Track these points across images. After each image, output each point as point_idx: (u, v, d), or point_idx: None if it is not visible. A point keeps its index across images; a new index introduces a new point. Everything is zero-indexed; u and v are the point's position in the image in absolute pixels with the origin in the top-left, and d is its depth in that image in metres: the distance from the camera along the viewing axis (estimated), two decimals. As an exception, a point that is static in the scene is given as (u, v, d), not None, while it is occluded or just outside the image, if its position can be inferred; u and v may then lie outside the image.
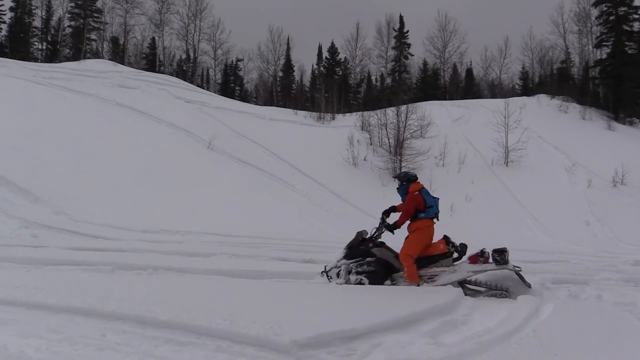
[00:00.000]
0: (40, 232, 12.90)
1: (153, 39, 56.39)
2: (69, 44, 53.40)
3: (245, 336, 4.66)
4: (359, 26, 57.67)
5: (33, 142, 19.11)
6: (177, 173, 19.60)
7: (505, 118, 26.56)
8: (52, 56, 50.49)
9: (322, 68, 58.17)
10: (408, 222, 7.64)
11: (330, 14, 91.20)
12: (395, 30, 56.96)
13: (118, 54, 52.98)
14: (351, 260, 7.82)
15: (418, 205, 7.57)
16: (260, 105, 44.46)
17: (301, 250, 11.43)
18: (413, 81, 58.15)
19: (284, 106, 43.93)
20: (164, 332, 4.86)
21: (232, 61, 60.69)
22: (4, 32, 52.13)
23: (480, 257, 7.32)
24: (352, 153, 24.61)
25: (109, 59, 45.85)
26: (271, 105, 46.23)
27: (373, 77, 60.69)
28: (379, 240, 7.96)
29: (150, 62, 54.67)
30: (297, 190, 20.68)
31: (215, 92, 46.66)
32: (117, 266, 8.65)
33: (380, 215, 8.00)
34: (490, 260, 7.27)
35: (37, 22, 53.72)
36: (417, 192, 7.66)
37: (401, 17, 56.71)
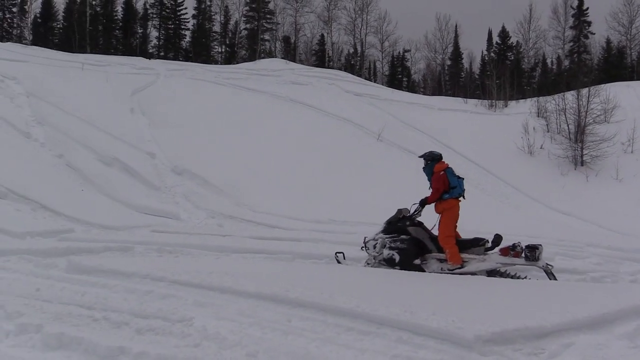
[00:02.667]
0: (225, 222, 13.86)
1: (322, 35, 58.05)
2: (244, 46, 56.76)
3: (426, 328, 4.57)
4: (531, 7, 54.50)
5: (215, 138, 20.55)
6: (347, 165, 19.96)
7: None
8: (230, 58, 53.97)
9: (492, 54, 56.06)
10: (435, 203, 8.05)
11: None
12: (574, 8, 53.06)
13: (289, 52, 55.27)
14: (387, 235, 8.23)
15: (444, 185, 7.91)
16: (428, 95, 43.84)
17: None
18: (594, 62, 53.77)
19: (453, 95, 42.96)
20: (345, 321, 4.93)
21: (399, 52, 60.63)
22: (188, 39, 56.69)
23: (511, 250, 7.48)
24: (527, 141, 23.35)
25: (282, 58, 47.99)
26: (439, 94, 45.44)
27: (548, 60, 57.26)
28: (417, 219, 8.32)
29: (320, 58, 56.35)
30: (468, 181, 19.98)
31: (383, 84, 46.88)
32: (296, 255, 8.99)
33: (419, 201, 8.34)
34: (522, 255, 7.39)
35: (217, 27, 57.72)
36: (442, 172, 8.00)
37: (580, -6, 52.76)
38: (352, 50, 58.05)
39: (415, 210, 8.38)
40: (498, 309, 5.37)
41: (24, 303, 5.17)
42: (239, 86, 29.00)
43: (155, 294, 5.63)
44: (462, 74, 59.62)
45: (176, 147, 19.27)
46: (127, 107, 23.09)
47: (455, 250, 7.75)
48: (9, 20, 52.16)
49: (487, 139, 24.32)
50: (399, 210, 8.44)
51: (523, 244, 7.53)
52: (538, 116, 26.61)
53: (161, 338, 4.43)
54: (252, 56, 50.67)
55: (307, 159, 19.96)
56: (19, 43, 41.32)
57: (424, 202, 8.27)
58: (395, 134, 23.89)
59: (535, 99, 30.45)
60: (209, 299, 5.59)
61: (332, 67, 49.33)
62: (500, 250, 7.66)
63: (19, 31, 51.78)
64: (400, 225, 8.27)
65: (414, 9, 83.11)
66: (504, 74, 37.42)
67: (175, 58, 50.51)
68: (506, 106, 32.61)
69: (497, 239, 7.80)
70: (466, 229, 12.85)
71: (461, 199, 8.07)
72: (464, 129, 25.67)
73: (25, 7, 52.48)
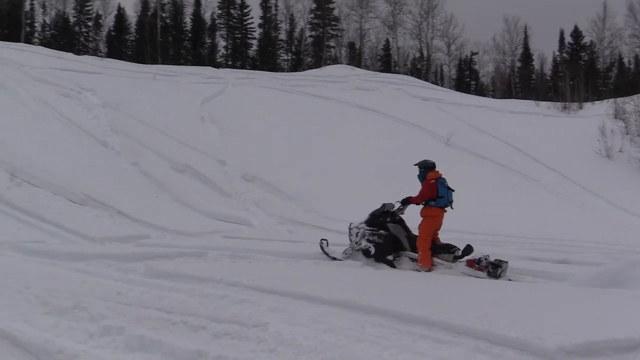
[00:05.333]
0: (295, 228, 13.96)
1: (387, 40, 57.94)
2: (310, 53, 57.28)
3: (504, 338, 4.44)
4: (605, 5, 52.60)
5: (283, 145, 20.78)
6: (415, 171, 19.70)
7: None
8: (296, 65, 54.56)
9: (564, 54, 54.28)
10: (422, 206, 8.46)
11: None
12: (651, 5, 50.80)
13: (355, 58, 55.36)
14: (368, 227, 8.63)
15: (432, 193, 8.32)
16: (497, 98, 42.89)
17: (552, 250, 10.70)
18: (676, 60, 51.28)
19: (524, 98, 41.78)
20: (420, 329, 4.85)
21: (466, 55, 59.80)
22: (254, 47, 57.70)
23: (476, 263, 7.81)
24: (604, 144, 22.43)
25: (347, 64, 48.09)
26: (509, 97, 44.37)
27: (625, 60, 54.95)
28: (399, 216, 8.78)
29: (385, 63, 56.18)
30: (542, 186, 19.49)
31: (450, 88, 46.24)
32: (365, 262, 8.93)
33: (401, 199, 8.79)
34: (485, 270, 7.69)
35: (282, 35, 58.53)
36: (433, 181, 8.44)
37: (659, -11, 50.42)
38: (418, 55, 57.73)
39: (397, 208, 8.84)
40: (578, 319, 5.16)
41: (106, 306, 5.34)
42: (305, 93, 29.22)
43: (230, 299, 5.71)
44: (533, 75, 57.98)
45: (246, 154, 19.59)
46: (198, 115, 23.67)
47: (427, 255, 8.18)
48: (85, 34, 54.55)
49: (561, 143, 23.54)
50: (384, 205, 8.88)
51: (491, 259, 7.82)
52: (615, 118, 25.51)
53: (237, 342, 4.49)
54: (318, 63, 51.06)
55: (374, 165, 19.87)
56: (94, 56, 43.18)
57: (406, 201, 8.76)
58: (465, 139, 23.46)
59: (612, 100, 29.25)
60: (283, 305, 5.62)
61: (398, 72, 49.08)
62: (467, 261, 7.98)
63: (94, 44, 54.11)
64: (381, 219, 8.69)
65: (480, 11, 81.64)
66: (577, 75, 36.17)
67: (242, 67, 51.50)
68: (581, 108, 31.49)
69: (468, 249, 8.12)
70: (540, 236, 12.48)
71: (447, 209, 8.44)
72: (536, 132, 24.97)
73: (100, 21, 54.87)
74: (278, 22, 58.17)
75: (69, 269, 7.24)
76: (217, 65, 46.90)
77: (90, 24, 54.56)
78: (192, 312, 5.11)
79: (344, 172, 19.01)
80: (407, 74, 46.47)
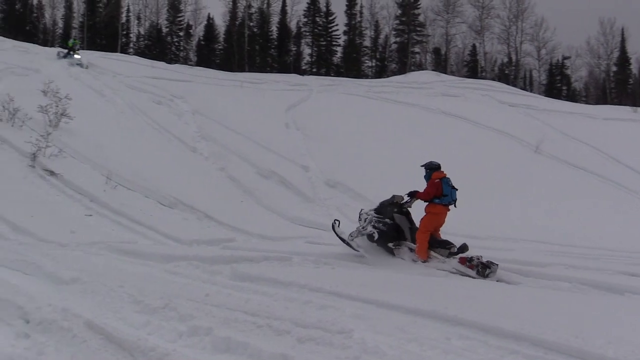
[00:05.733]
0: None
1: (474, 45, 56.84)
2: (395, 59, 57.07)
3: (602, 358, 4.22)
4: None
5: (367, 151, 20.73)
6: (501, 178, 19.19)
7: None
8: (380, 72, 54.51)
9: (665, 58, 51.32)
10: (426, 203, 8.94)
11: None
12: None
13: (440, 64, 54.67)
14: (376, 215, 9.15)
15: (436, 191, 8.82)
16: (591, 104, 41.06)
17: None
18: None
19: (619, 103, 39.87)
20: (508, 343, 4.66)
21: (557, 60, 57.66)
22: (339, 54, 58.06)
23: (468, 261, 8.26)
24: None
25: (432, 70, 47.54)
26: (604, 103, 42.41)
27: None
28: (406, 209, 9.26)
29: (472, 69, 55.12)
30: (640, 197, 18.47)
31: (539, 94, 44.73)
32: (436, 267, 8.74)
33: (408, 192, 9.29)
34: (475, 269, 8.12)
35: (367, 42, 58.61)
36: (437, 180, 8.93)
37: None
38: (506, 60, 56.28)
39: (405, 201, 9.29)
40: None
41: (195, 307, 5.47)
42: (390, 99, 29.11)
43: (314, 304, 5.72)
44: (630, 80, 55.15)
45: (329, 160, 19.70)
46: (283, 122, 24.06)
47: (424, 247, 8.69)
48: (176, 44, 56.71)
49: (662, 151, 22.23)
50: (393, 196, 9.36)
51: (483, 259, 8.22)
52: None
53: (322, 348, 4.47)
54: (402, 69, 50.80)
55: (460, 172, 19.37)
56: (185, 64, 44.84)
57: (413, 194, 9.22)
58: (555, 146, 22.60)
59: None
60: (366, 312, 5.57)
61: (484, 78, 48.03)
62: (460, 258, 8.42)
63: (185, 53, 56.16)
64: (389, 209, 9.19)
65: (573, 13, 78.56)
66: (679, 79, 34.10)
67: (327, 74, 52.00)
68: (683, 114, 29.68)
69: (463, 247, 8.57)
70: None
71: (451, 207, 9.00)
72: (633, 139, 23.68)
73: (191, 31, 56.90)
74: (363, 28, 58.36)
75: (159, 269, 7.48)
76: (302, 73, 47.58)
77: (181, 33, 56.69)
78: (277, 316, 5.15)
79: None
80: (494, 80, 45.42)
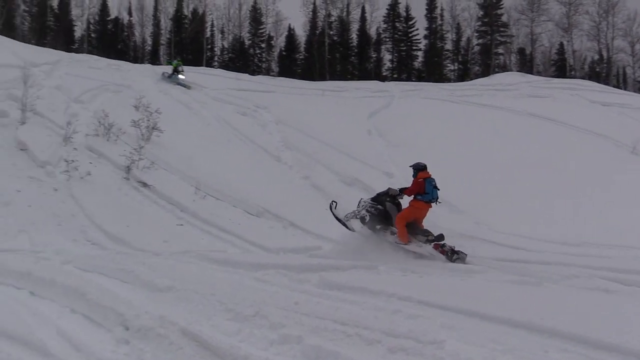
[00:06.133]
0: (464, 243, 13.46)
1: (561, 44, 54.76)
2: (477, 61, 55.83)
3: None
4: None
5: (450, 156, 20.33)
6: (596, 181, 18.31)
7: None
8: (463, 75, 53.52)
9: None
10: (412, 197, 10.23)
11: None
12: None
13: (525, 64, 53.06)
14: (371, 202, 10.48)
15: (419, 189, 10.11)
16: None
17: None
18: None
19: None
20: (612, 357, 4.44)
21: (653, 55, 54.46)
22: (420, 59, 57.49)
23: (441, 247, 9.79)
24: None
25: (517, 71, 46.17)
26: None
27: None
28: (398, 200, 10.56)
29: (560, 68, 53.13)
30: None
31: (634, 92, 42.48)
32: (543, 279, 8.41)
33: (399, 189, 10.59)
34: (445, 254, 9.69)
35: (448, 45, 57.74)
36: (421, 180, 10.18)
37: None
38: (596, 57, 53.76)
39: (397, 194, 10.50)
40: None
41: (285, 315, 5.53)
42: (473, 103, 28.52)
43: (403, 314, 5.63)
44: None
45: (412, 166, 19.48)
46: (365, 129, 24.06)
47: (403, 232, 9.99)
48: (258, 56, 57.95)
49: None
50: (389, 189, 10.68)
51: (455, 248, 9.83)
52: None
53: (413, 359, 4.41)
54: (486, 71, 49.65)
55: (548, 175, 18.74)
56: (267, 75, 45.74)
57: (402, 190, 10.48)
58: (654, 146, 21.37)
59: None
60: (457, 322, 5.43)
61: (573, 77, 46.12)
62: (434, 244, 9.84)
63: (267, 64, 57.28)
64: (382, 198, 10.48)
65: (670, 4, 73.99)
66: None
67: (408, 79, 51.60)
68: None
69: (440, 236, 9.84)
70: None
71: (433, 204, 10.31)
72: None
73: (272, 42, 57.99)
74: (444, 32, 57.50)
75: (248, 277, 7.60)
76: (382, 79, 47.41)
77: (263, 45, 57.86)
78: (366, 325, 5.11)
79: (515, 183, 18.15)
80: (584, 78, 43.51)
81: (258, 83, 32.66)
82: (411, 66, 57.08)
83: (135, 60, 48.58)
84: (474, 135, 22.84)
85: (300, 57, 58.15)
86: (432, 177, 10.42)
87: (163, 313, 5.54)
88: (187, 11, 57.28)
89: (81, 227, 11.39)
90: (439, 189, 10.37)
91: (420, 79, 50.36)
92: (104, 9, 56.92)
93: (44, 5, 52.79)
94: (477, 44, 56.16)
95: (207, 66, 45.92)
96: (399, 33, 57.08)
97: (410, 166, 10.78)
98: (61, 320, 5.55)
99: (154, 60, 53.09)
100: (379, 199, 10.55)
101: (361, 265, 8.74)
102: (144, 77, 28.69)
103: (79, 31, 56.75)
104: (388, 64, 58.15)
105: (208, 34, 56.61)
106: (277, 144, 21.08)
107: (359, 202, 10.75)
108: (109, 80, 25.01)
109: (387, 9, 57.26)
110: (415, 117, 25.60)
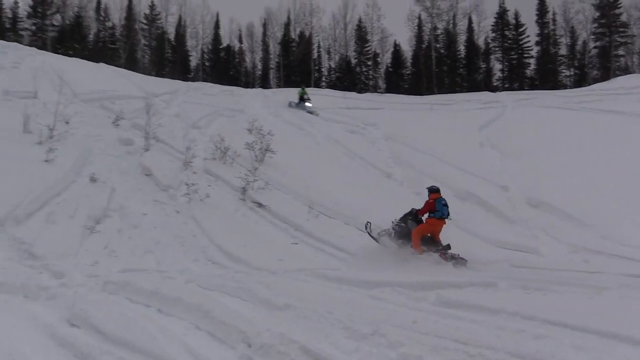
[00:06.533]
0: (591, 257, 12.77)
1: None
2: (596, 65, 53.00)
3: None
4: None
5: (570, 166, 19.33)
6: None
7: None
8: (580, 80, 50.93)
9: None
10: (426, 215, 12.01)
11: None
12: None
13: (650, 65, 49.59)
14: (397, 221, 12.28)
15: (430, 208, 11.92)
16: None
17: None
18: None
19: None
20: None
21: None
22: (532, 67, 55.37)
23: (444, 255, 11.46)
24: None
25: (641, 72, 43.30)
26: None
27: None
28: (420, 218, 12.17)
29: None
30: None
31: None
32: None
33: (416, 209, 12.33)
34: (448, 261, 11.32)
35: (563, 50, 55.23)
36: (432, 200, 11.95)
37: None
38: None
39: (416, 214, 12.21)
40: None
41: (403, 333, 5.46)
42: (593, 109, 27.00)
43: (527, 333, 5.39)
44: None
45: (529, 178, 18.76)
46: (476, 141, 23.46)
47: (417, 243, 11.63)
48: (365, 73, 58.28)
49: None
50: (412, 209, 12.37)
51: (459, 256, 11.47)
52: None
53: (542, 381, 4.20)
54: (605, 75, 46.91)
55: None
56: (374, 92, 45.89)
57: (416, 210, 12.22)
58: None
59: None
60: (587, 343, 5.12)
61: None
62: (440, 253, 11.50)
63: (374, 82, 57.47)
64: (406, 218, 12.25)
65: None
66: None
67: (520, 88, 49.86)
68: None
69: (446, 247, 11.66)
70: None
71: (447, 220, 12.02)
72: None
73: (378, 59, 58.19)
74: (557, 37, 55.10)
75: (364, 295, 7.58)
76: (493, 89, 46.10)
77: (369, 63, 58.14)
78: (489, 345, 4.95)
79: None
80: None
81: (366, 100, 32.82)
82: (523, 75, 55.11)
83: (247, 85, 50.39)
84: (595, 142, 21.56)
85: (407, 72, 57.85)
86: (442, 197, 12.14)
87: (283, 331, 5.64)
88: (294, 34, 58.82)
89: (202, 247, 11.88)
90: (448, 206, 12.06)
91: (533, 87, 48.41)
92: (216, 38, 59.71)
93: (162, 38, 56.31)
94: (595, 47, 53.35)
95: (315, 87, 46.80)
96: (509, 41, 55.35)
97: (427, 188, 12.58)
98: (187, 337, 5.79)
99: (265, 84, 54.85)
100: (403, 219, 12.31)
101: (479, 282, 8.50)
102: (255, 101, 29.64)
103: (194, 61, 59.99)
104: (498, 74, 56.54)
105: (315, 55, 57.75)
106: (387, 160, 21.02)
107: (392, 222, 12.41)
108: (223, 105, 26.08)
109: (495, 17, 55.80)
110: (529, 126, 24.63)
